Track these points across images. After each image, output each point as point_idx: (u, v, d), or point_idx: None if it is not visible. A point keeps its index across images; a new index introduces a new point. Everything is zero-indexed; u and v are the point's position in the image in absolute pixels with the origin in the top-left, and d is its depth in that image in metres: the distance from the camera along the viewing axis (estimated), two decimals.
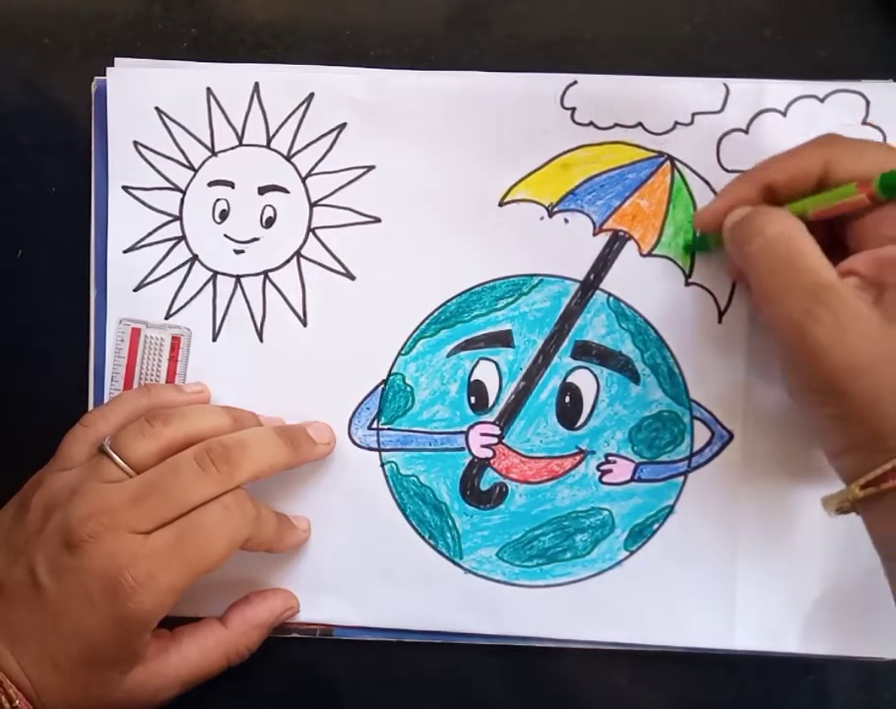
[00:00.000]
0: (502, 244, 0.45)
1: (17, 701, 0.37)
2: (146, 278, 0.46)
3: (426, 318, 0.46)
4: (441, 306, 0.46)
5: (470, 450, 0.46)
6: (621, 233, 0.45)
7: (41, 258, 0.47)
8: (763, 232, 0.39)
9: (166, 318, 0.46)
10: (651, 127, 0.45)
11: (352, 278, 0.46)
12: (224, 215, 0.46)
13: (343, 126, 0.45)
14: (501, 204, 0.45)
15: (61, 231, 0.47)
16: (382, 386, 0.46)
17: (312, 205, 0.46)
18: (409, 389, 0.46)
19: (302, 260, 0.46)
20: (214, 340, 0.46)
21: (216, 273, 0.46)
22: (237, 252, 0.46)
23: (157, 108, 0.46)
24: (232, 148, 0.46)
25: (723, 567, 0.44)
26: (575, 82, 0.45)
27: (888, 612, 0.44)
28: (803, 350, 0.37)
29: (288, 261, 0.46)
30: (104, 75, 0.46)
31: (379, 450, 0.46)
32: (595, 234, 0.45)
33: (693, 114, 0.44)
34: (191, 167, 0.46)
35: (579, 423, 0.45)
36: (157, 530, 0.39)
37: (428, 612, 0.45)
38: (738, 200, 0.41)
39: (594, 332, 0.45)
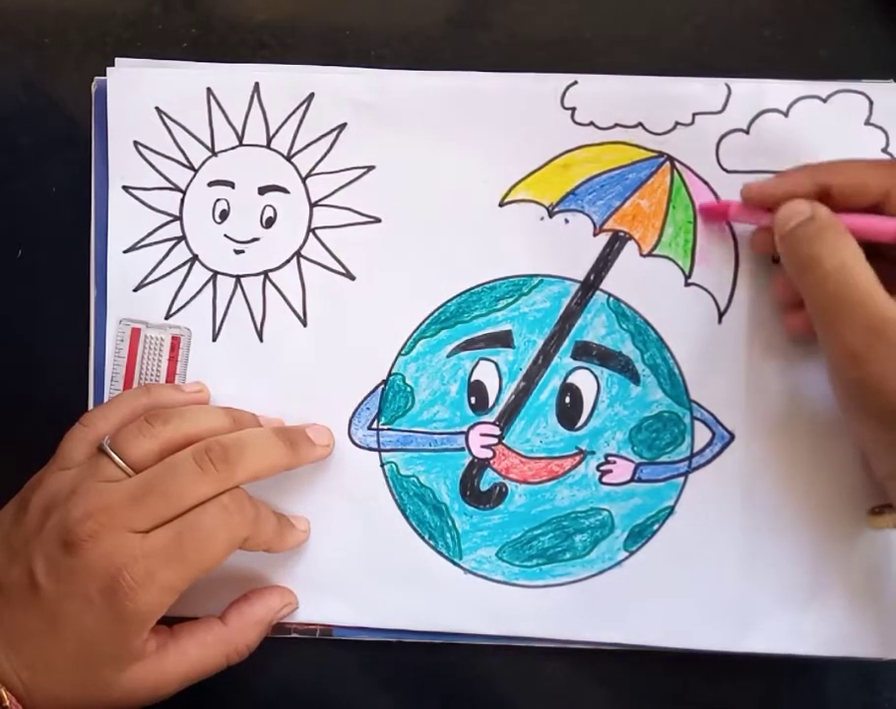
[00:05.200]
0: (502, 244, 0.45)
1: (7, 702, 0.37)
2: (146, 278, 0.46)
3: (426, 318, 0.46)
4: (441, 306, 0.46)
5: (470, 450, 0.46)
6: (622, 234, 0.45)
7: (41, 258, 0.47)
8: (822, 264, 0.38)
9: (166, 318, 0.46)
10: (651, 127, 0.45)
11: (353, 278, 0.46)
12: (224, 215, 0.46)
13: (343, 126, 0.45)
14: (502, 204, 0.45)
15: (61, 231, 0.47)
16: (382, 386, 0.46)
17: (312, 205, 0.46)
18: (409, 389, 0.46)
19: (302, 260, 0.46)
20: (214, 340, 0.46)
21: (216, 273, 0.46)
22: (237, 252, 0.46)
23: (157, 108, 0.46)
24: (233, 148, 0.46)
25: (723, 568, 0.44)
26: (575, 82, 0.45)
27: (889, 613, 0.44)
28: (862, 381, 0.37)
29: (288, 261, 0.46)
30: (104, 75, 0.46)
31: (379, 450, 0.46)
32: (595, 235, 0.45)
33: (694, 114, 0.44)
34: (191, 167, 0.46)
35: (579, 424, 0.45)
36: (155, 529, 0.39)
37: (428, 612, 0.45)
38: (794, 190, 0.41)
39: (594, 332, 0.45)
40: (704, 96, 0.44)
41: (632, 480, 0.45)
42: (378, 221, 0.46)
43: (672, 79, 0.44)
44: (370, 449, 0.46)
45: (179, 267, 0.46)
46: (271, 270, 0.46)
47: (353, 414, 0.46)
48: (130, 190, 0.46)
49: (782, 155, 0.44)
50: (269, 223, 0.46)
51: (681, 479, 0.45)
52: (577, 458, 0.45)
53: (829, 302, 0.38)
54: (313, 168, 0.46)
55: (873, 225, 0.39)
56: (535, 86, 0.45)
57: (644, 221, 0.45)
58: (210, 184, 0.46)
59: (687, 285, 0.45)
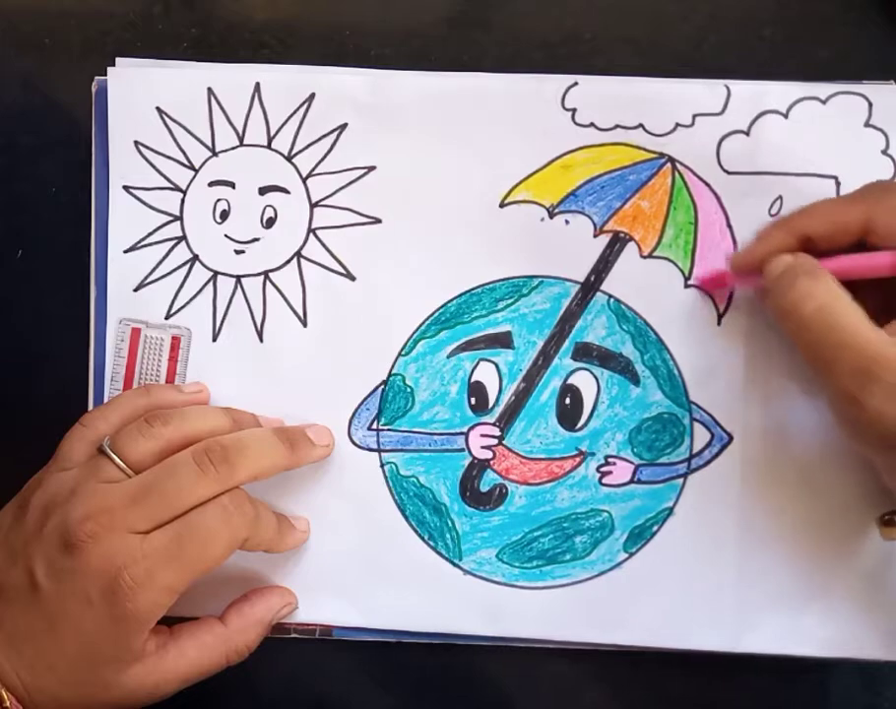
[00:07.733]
0: (503, 245, 0.45)
1: (7, 702, 0.37)
2: (146, 278, 0.46)
3: (427, 319, 0.46)
4: (441, 307, 0.46)
5: (470, 451, 0.46)
6: (622, 235, 0.45)
7: (41, 258, 0.47)
8: (800, 310, 0.38)
9: (166, 318, 0.46)
10: (652, 128, 0.44)
11: (353, 278, 0.46)
12: (224, 215, 0.46)
13: (343, 127, 0.45)
14: (502, 205, 0.45)
15: (61, 231, 0.47)
16: (382, 387, 0.46)
17: (313, 205, 0.46)
18: (409, 390, 0.46)
19: (303, 260, 0.46)
20: (214, 340, 0.46)
21: (216, 273, 0.46)
22: (238, 252, 0.46)
23: (157, 108, 0.46)
24: (233, 148, 0.46)
25: (722, 569, 0.44)
26: (576, 83, 0.45)
27: (890, 613, 0.44)
28: (859, 417, 0.37)
29: (288, 261, 0.46)
30: (105, 75, 0.46)
31: (379, 451, 0.46)
32: (595, 236, 0.45)
33: (694, 116, 0.44)
34: (192, 167, 0.46)
35: (579, 425, 0.45)
36: (155, 530, 0.39)
37: (428, 613, 0.45)
38: (776, 247, 0.41)
39: (594, 333, 0.45)
40: (704, 97, 0.44)
41: (632, 481, 0.45)
42: (379, 221, 0.46)
43: (672, 80, 0.44)
44: (370, 449, 0.46)
45: (179, 267, 0.46)
46: (271, 270, 0.46)
47: (353, 414, 0.46)
48: (130, 190, 0.46)
49: (782, 156, 0.44)
50: (269, 223, 0.46)
51: (681, 480, 0.45)
52: (577, 459, 0.45)
53: (815, 347, 0.38)
54: (314, 169, 0.46)
55: (863, 262, 0.39)
56: (535, 86, 0.45)
57: (645, 222, 0.45)
58: (210, 184, 0.46)
59: (687, 286, 0.45)
